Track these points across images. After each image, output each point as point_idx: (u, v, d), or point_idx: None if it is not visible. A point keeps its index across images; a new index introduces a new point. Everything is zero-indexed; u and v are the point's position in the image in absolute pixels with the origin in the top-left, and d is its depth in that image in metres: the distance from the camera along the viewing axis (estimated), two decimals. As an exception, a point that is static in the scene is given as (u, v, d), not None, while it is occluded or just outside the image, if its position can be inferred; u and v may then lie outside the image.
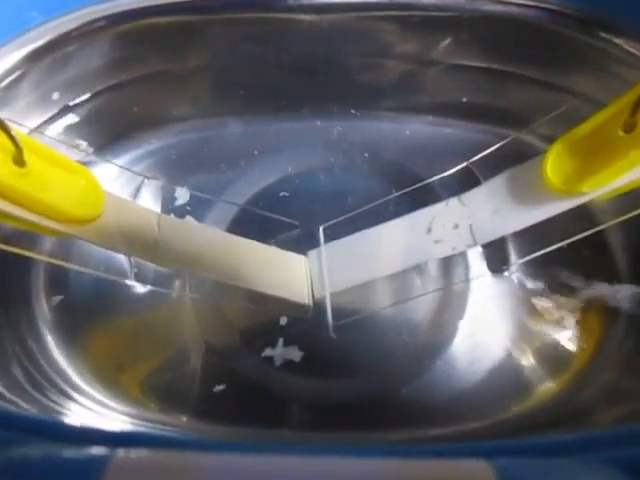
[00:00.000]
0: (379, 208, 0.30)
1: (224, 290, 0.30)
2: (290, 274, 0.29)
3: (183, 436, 0.26)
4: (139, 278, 0.26)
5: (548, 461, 0.14)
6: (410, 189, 0.30)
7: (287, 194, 0.33)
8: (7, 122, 0.19)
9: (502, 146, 0.28)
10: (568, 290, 0.30)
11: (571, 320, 0.30)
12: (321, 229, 0.30)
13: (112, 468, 0.13)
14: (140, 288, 0.30)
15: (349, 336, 0.30)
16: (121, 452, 0.14)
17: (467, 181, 0.29)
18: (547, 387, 0.29)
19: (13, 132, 0.19)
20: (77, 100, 0.30)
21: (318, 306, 0.29)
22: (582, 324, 0.30)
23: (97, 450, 0.14)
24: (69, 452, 0.14)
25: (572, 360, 0.29)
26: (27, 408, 0.23)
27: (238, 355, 0.30)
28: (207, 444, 0.15)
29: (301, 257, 0.30)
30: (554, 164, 0.24)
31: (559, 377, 0.29)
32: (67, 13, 0.26)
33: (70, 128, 0.31)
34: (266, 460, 0.14)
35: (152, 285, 0.27)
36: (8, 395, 0.23)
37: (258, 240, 0.29)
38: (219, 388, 0.29)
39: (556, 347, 0.30)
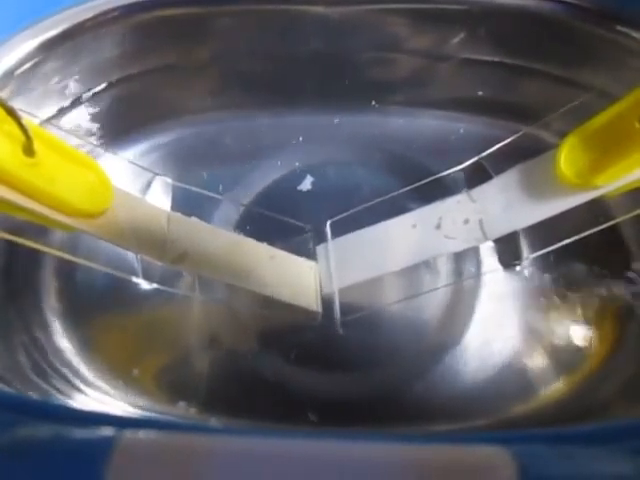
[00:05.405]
0: (389, 203, 0.30)
1: (232, 291, 0.30)
2: (299, 279, 0.29)
3: (191, 423, 0.26)
4: (147, 276, 0.26)
5: (566, 447, 0.14)
6: (420, 184, 0.30)
7: (297, 188, 0.33)
8: (19, 112, 0.19)
9: (514, 141, 0.27)
10: (583, 285, 0.30)
11: (586, 316, 0.29)
12: (328, 224, 0.30)
13: (119, 449, 0.13)
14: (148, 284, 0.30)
15: (357, 332, 0.29)
16: (129, 433, 0.13)
17: (479, 176, 0.28)
18: (560, 385, 0.28)
19: (24, 121, 0.19)
20: (90, 91, 0.30)
21: (325, 301, 0.29)
22: (598, 320, 0.29)
23: (104, 431, 0.14)
24: (75, 433, 0.14)
25: (587, 358, 0.28)
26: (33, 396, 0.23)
27: (247, 350, 0.29)
28: (216, 428, 0.15)
29: (311, 263, 0.30)
30: (568, 157, 0.24)
31: (573, 375, 0.28)
32: (82, 2, 0.26)
33: (82, 119, 0.31)
34: (276, 443, 0.14)
35: (160, 284, 0.27)
36: (14, 383, 0.23)
37: (265, 238, 0.29)
38: (228, 382, 0.28)
39: (570, 344, 0.29)
